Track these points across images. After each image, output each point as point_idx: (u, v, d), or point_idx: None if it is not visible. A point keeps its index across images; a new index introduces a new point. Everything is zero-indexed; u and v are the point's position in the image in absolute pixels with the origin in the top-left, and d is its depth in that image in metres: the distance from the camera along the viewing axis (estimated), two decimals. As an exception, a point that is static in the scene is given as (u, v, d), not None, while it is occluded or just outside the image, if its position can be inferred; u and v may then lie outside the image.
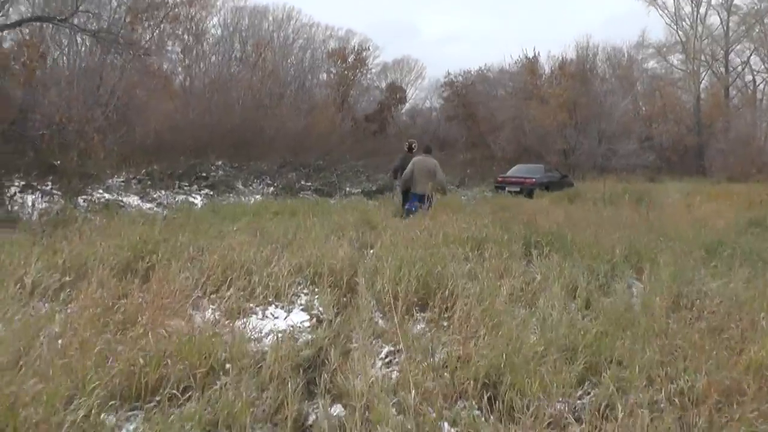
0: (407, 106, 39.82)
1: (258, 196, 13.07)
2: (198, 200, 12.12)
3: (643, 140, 26.20)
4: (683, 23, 34.06)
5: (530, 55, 30.15)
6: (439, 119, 36.34)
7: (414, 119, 37.86)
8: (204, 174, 14.01)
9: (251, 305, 3.60)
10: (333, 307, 3.61)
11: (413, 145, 9.52)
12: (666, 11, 34.60)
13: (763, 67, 33.29)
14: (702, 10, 33.31)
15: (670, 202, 11.42)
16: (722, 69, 33.69)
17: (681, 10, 33.95)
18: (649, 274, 4.36)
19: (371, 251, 5.08)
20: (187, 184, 13.25)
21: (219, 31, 30.62)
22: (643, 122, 29.31)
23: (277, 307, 3.67)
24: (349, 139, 24.90)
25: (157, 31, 19.52)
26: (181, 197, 11.93)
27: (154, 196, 11.58)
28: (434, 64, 61.16)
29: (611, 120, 25.43)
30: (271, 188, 14.20)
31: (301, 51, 35.88)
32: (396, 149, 25.85)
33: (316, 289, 3.96)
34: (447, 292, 3.66)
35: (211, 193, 13.00)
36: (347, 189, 15.09)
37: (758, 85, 33.48)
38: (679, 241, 5.91)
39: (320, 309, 3.62)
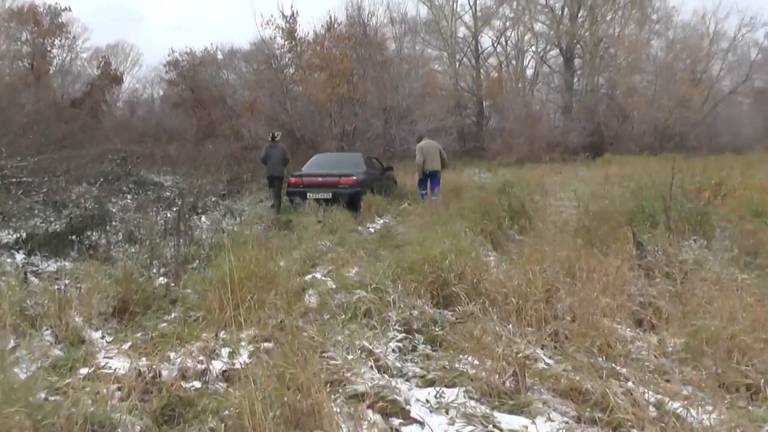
0: (124, 96, 32.53)
1: None
2: None
3: (441, 120, 23.02)
4: (436, 2, 33.51)
5: (287, 13, 22.02)
6: (163, 108, 29.53)
7: (133, 110, 30.29)
8: None
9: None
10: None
11: (276, 135, 10.91)
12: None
13: (501, 50, 34.95)
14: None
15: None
16: (473, 50, 34.27)
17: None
18: None
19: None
20: None
21: None
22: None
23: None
24: (38, 127, 15.85)
25: None
26: None
27: None
28: (159, 54, 53.96)
29: (405, 96, 21.45)
30: None
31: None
32: (111, 140, 18.09)
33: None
34: None
35: None
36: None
37: (503, 68, 34.98)
38: None
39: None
